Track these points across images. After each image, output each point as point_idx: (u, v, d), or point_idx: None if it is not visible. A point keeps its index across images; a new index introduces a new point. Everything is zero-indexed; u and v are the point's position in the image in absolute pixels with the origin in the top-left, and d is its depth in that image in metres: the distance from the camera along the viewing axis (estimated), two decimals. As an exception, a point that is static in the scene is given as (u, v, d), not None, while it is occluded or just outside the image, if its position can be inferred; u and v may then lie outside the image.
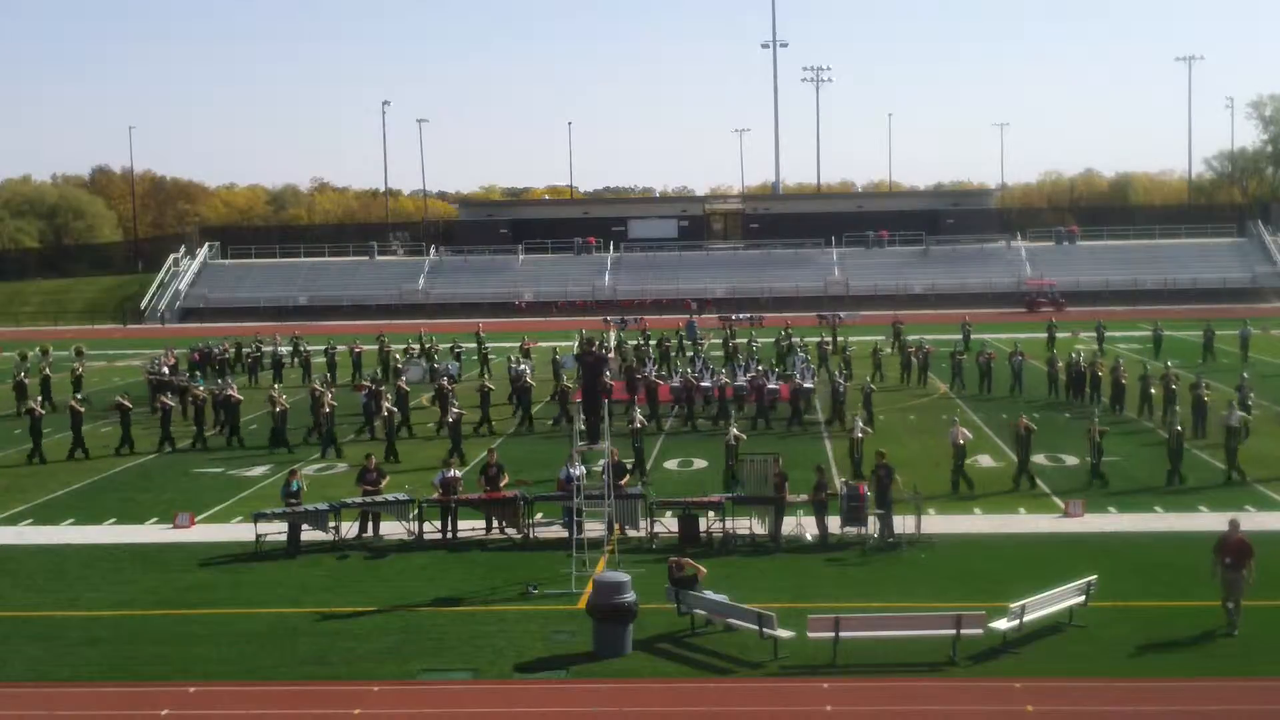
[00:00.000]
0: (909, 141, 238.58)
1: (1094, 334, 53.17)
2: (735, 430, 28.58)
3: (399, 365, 45.76)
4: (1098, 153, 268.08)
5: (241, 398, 36.65)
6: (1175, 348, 52.09)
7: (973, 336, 52.23)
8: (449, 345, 52.38)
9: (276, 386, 38.36)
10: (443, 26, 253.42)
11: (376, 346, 50.72)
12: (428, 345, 52.11)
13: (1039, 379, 42.62)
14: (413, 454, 32.25)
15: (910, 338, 48.57)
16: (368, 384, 38.11)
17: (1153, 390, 36.34)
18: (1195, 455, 29.67)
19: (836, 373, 39.88)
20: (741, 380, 38.77)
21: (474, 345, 52.44)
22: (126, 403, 34.45)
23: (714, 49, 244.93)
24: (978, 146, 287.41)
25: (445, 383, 38.37)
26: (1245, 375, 36.76)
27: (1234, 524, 18.27)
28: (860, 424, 29.00)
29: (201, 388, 38.06)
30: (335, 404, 34.18)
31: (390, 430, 32.50)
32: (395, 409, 34.13)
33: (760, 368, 40.58)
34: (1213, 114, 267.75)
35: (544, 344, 55.00)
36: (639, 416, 31.05)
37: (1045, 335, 52.06)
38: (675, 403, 37.66)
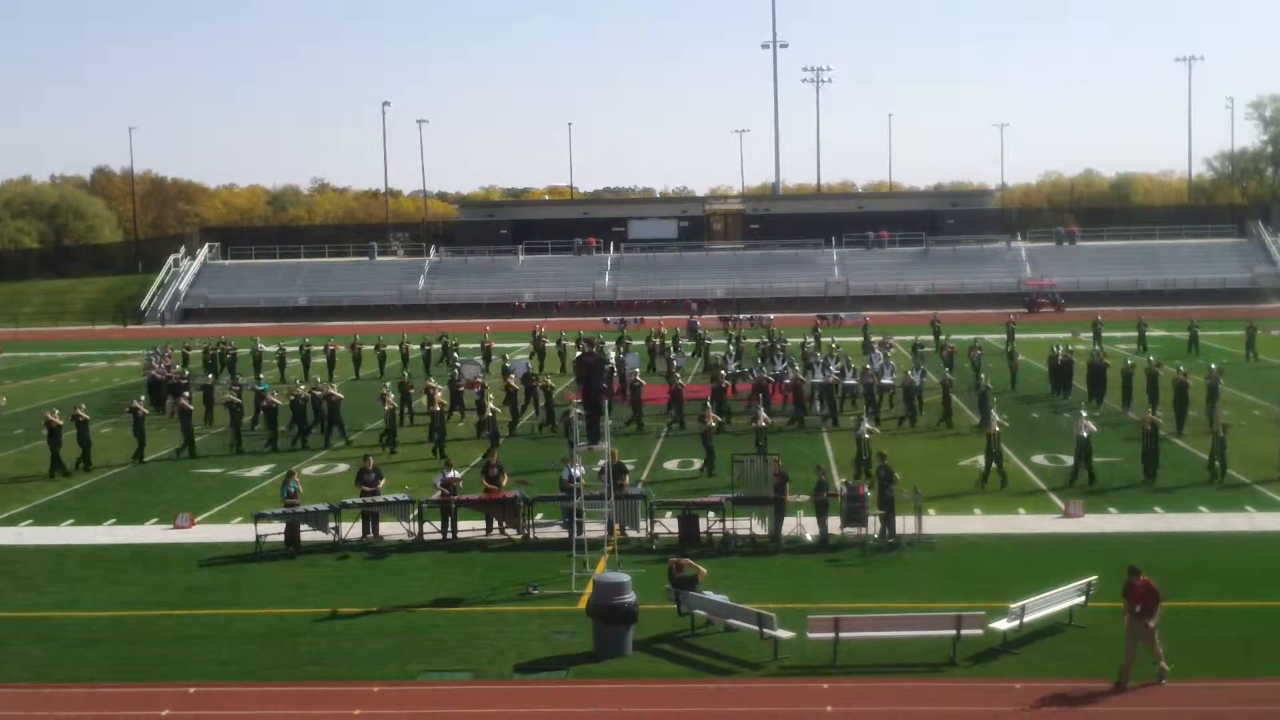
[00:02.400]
0: (909, 141, 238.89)
1: (1133, 332, 53.49)
2: (868, 424, 28.48)
3: (457, 365, 45.71)
4: (1098, 153, 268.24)
5: (342, 396, 36.08)
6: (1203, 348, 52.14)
7: (1017, 336, 52.83)
8: (477, 345, 52.80)
9: (388, 385, 38.20)
10: (443, 26, 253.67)
11: (440, 345, 52.19)
12: (487, 345, 52.91)
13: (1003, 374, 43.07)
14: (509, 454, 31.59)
15: (875, 337, 49.07)
16: (480, 381, 38.13)
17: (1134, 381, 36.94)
18: (1193, 454, 29.60)
19: (909, 371, 39.91)
20: (818, 377, 38.93)
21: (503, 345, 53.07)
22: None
23: (714, 49, 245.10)
24: (978, 146, 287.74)
25: (548, 380, 38.05)
26: (1214, 366, 36.90)
27: (1135, 569, 16.37)
28: (996, 417, 28.69)
29: (303, 387, 37.04)
30: (445, 403, 34.26)
31: (494, 430, 32.14)
32: (497, 408, 34.24)
33: (854, 365, 40.89)
34: (1213, 114, 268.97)
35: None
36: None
37: (1091, 334, 53.05)
38: (750, 401, 37.23)
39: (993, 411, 29.10)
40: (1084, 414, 28.37)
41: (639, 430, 35.49)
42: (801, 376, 37.78)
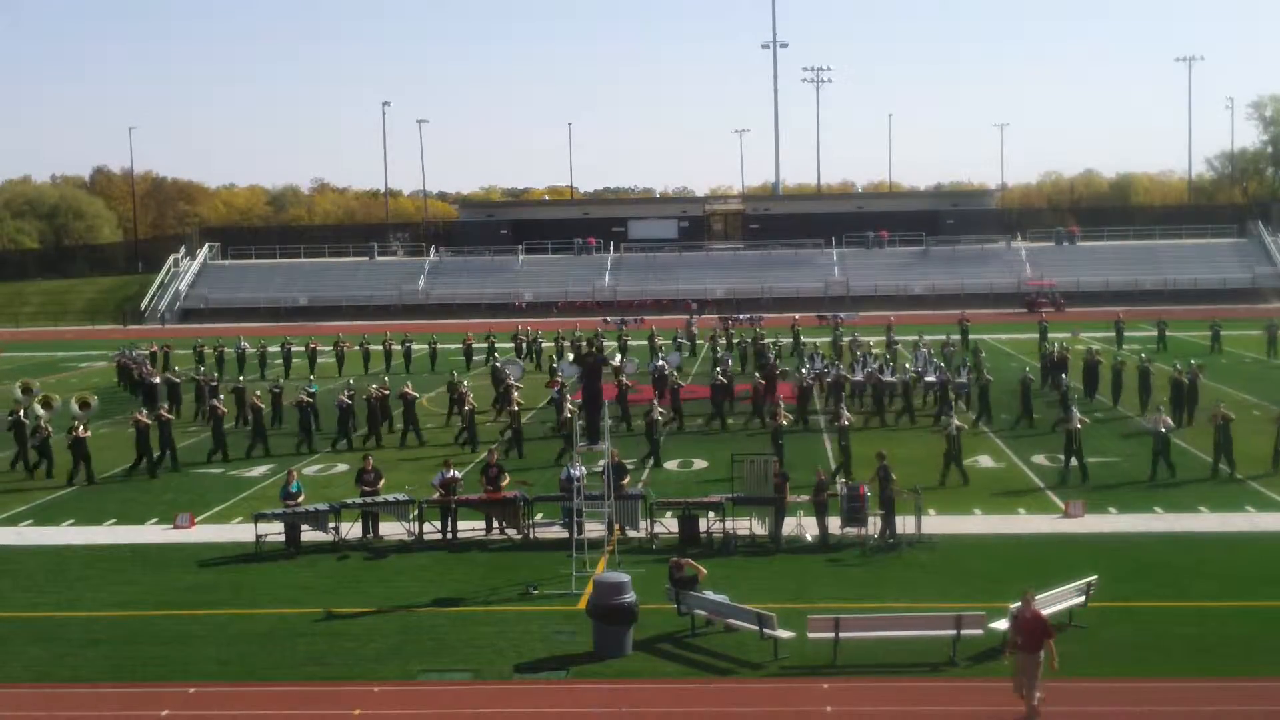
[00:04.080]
0: (909, 141, 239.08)
1: (1135, 332, 54.06)
2: (956, 421, 28.51)
3: (497, 364, 45.58)
4: (1098, 153, 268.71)
5: (417, 394, 35.59)
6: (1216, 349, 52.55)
7: (1017, 336, 53.11)
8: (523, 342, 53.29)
9: (466, 383, 38.10)
10: (443, 26, 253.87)
11: (485, 344, 52.70)
12: (529, 341, 53.75)
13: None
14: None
15: (849, 337, 49.15)
16: (559, 380, 38.02)
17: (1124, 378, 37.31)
18: (1193, 454, 29.58)
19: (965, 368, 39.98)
20: (859, 375, 39.09)
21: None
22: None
23: (714, 49, 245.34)
24: (978, 146, 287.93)
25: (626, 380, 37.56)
26: (1194, 362, 36.81)
27: (1027, 597, 15.24)
28: (1077, 414, 28.70)
29: (374, 386, 36.03)
30: (523, 402, 34.01)
31: (572, 430, 31.93)
32: (575, 409, 34.14)
33: (891, 364, 41.10)
34: (1213, 114, 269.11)
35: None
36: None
37: (1114, 333, 53.83)
38: (800, 398, 37.16)
39: (1074, 409, 29.16)
40: (1160, 410, 28.45)
41: (680, 429, 35.28)
42: (881, 376, 37.81)
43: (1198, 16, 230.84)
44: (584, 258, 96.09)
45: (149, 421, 31.29)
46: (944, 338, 47.50)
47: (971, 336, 53.34)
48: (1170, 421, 28.03)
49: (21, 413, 33.18)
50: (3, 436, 33.67)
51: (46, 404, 36.11)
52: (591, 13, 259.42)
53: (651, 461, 30.49)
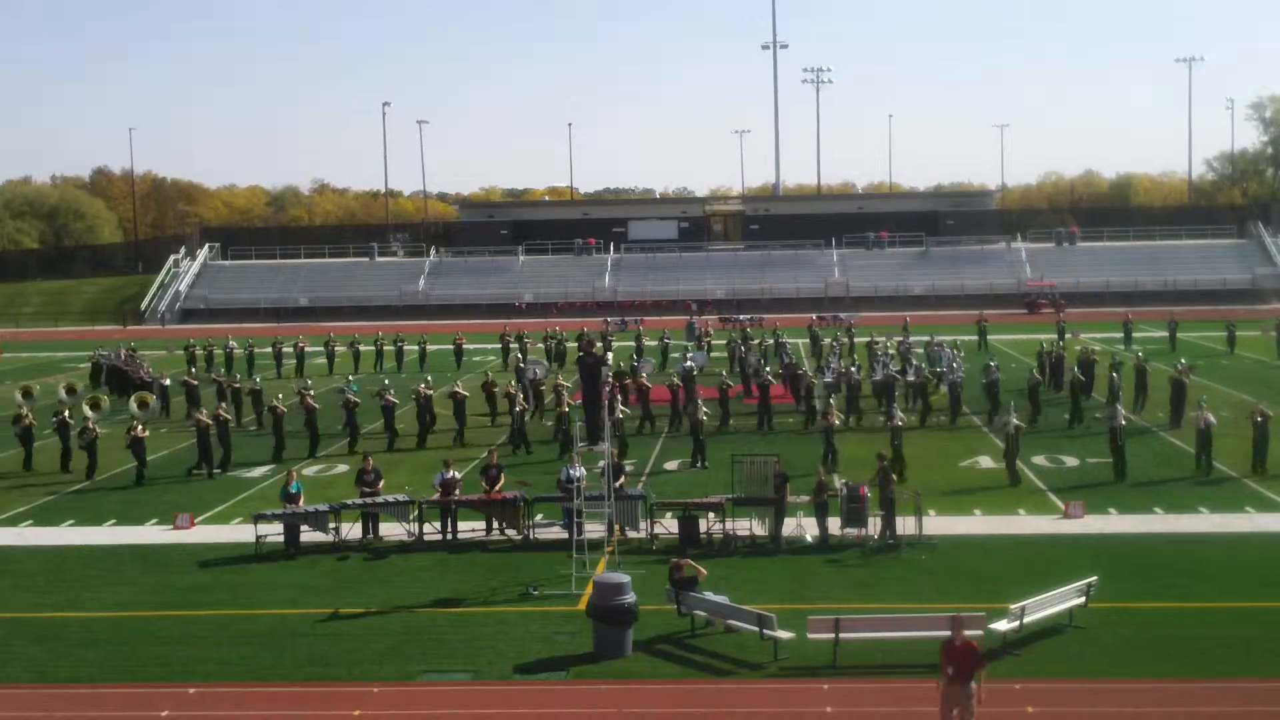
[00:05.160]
0: (909, 142, 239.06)
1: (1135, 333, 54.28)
2: (1015, 420, 28.56)
3: (521, 364, 45.33)
4: (1098, 153, 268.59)
5: (467, 394, 35.58)
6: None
7: (1067, 334, 53.55)
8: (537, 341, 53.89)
9: (513, 384, 37.89)
10: (443, 26, 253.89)
11: (513, 343, 53.13)
12: (555, 340, 53.85)
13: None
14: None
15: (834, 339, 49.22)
16: (610, 381, 37.96)
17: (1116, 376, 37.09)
18: (1189, 452, 29.56)
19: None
20: (878, 374, 39.28)
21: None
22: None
23: (714, 49, 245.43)
24: (978, 147, 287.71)
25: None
26: (1183, 361, 36.73)
27: (957, 625, 14.17)
28: (1121, 411, 28.78)
29: (421, 385, 35.82)
30: (573, 403, 33.99)
31: (622, 432, 31.45)
32: (627, 409, 34.11)
33: (915, 362, 41.09)
34: (1213, 115, 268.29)
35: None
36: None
37: (1122, 333, 54.12)
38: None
39: (1119, 407, 29.18)
40: (1203, 405, 28.56)
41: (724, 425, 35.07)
42: (927, 375, 37.77)
43: (1198, 17, 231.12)
44: (584, 258, 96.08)
45: (209, 422, 31.37)
46: (928, 338, 47.45)
47: (963, 338, 53.29)
48: (1212, 418, 28.09)
49: (67, 413, 33.35)
50: (15, 438, 33.54)
51: (95, 405, 36.25)
52: (591, 13, 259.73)
53: (700, 462, 30.38)
